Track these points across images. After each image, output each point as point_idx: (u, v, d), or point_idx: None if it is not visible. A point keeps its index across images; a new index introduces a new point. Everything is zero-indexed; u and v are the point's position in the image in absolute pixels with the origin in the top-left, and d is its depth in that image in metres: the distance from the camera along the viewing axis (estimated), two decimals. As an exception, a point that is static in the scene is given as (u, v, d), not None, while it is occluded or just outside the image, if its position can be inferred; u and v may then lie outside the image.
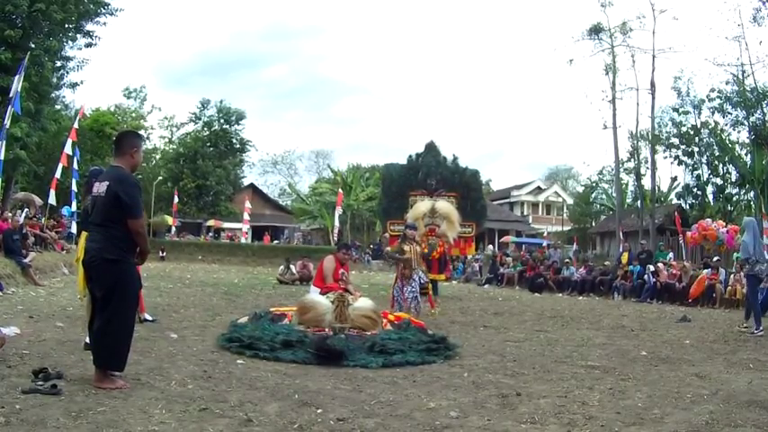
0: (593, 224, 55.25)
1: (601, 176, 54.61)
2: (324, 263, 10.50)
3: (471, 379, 6.44)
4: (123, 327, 5.42)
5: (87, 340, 6.43)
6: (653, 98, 35.73)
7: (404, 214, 17.10)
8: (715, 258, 20.28)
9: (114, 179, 5.38)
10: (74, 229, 22.17)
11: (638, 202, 38.58)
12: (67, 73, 28.99)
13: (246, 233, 50.20)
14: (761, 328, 11.17)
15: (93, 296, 5.72)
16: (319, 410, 4.93)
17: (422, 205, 16.28)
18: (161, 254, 32.24)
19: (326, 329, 7.90)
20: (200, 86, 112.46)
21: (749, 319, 11.80)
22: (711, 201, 36.96)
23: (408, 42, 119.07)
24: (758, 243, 11.66)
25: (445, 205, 16.28)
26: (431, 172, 18.33)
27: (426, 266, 15.28)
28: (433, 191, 17.77)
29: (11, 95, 18.77)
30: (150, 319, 9.56)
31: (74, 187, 24.24)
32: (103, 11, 28.02)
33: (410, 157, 19.20)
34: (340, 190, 46.90)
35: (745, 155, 34.57)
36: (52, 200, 22.58)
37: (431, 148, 19.26)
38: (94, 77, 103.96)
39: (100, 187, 5.46)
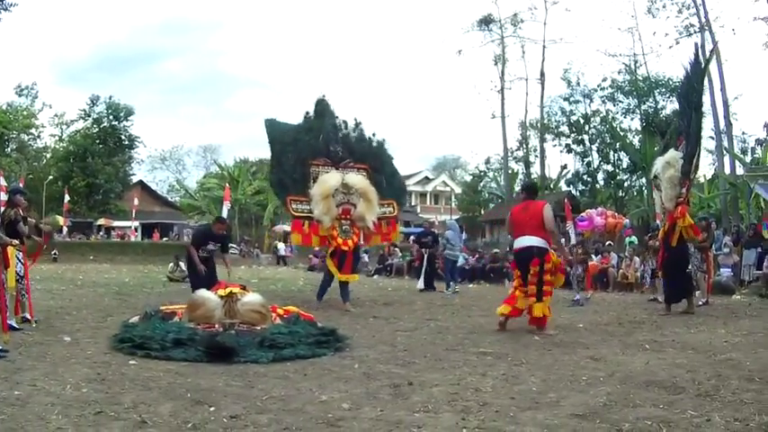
0: (483, 212, 56.45)
1: (488, 166, 55.91)
2: (544, 213, 9.24)
3: (362, 370, 6.47)
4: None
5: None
6: (542, 88, 36.79)
7: (306, 188, 13.28)
8: (607, 243, 21.28)
9: None
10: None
11: (528, 189, 39.49)
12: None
13: (136, 231, 49.11)
14: (450, 290, 17.12)
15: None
16: (212, 408, 4.91)
17: (330, 178, 13.07)
18: (53, 255, 30.99)
19: (216, 325, 7.87)
20: (97, 82, 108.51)
21: (448, 287, 17.38)
22: (602, 187, 38.15)
23: (307, 35, 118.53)
24: (457, 237, 18.42)
25: (359, 179, 13.30)
26: (331, 137, 14.05)
27: (337, 264, 12.67)
28: (339, 161, 13.73)
29: None
30: (18, 328, 8.60)
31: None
32: (-4, 6, 26.74)
33: (307, 113, 14.21)
34: (227, 185, 46.41)
35: (637, 142, 35.78)
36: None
37: (322, 111, 14.32)
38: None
39: None
